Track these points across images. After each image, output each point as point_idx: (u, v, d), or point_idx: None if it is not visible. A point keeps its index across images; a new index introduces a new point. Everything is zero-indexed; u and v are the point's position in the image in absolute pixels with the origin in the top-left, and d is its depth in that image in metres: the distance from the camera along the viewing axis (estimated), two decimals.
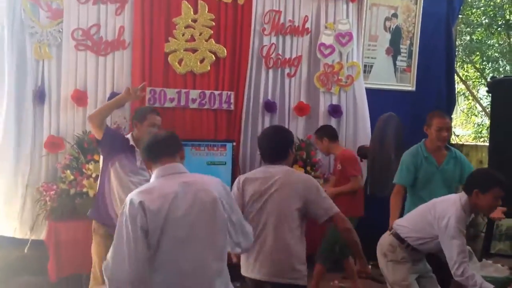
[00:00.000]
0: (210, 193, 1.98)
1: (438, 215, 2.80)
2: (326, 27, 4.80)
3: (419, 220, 2.94)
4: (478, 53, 9.06)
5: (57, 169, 4.00)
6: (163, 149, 2.07)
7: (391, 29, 5.23)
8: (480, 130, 10.16)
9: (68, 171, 3.92)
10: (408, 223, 3.01)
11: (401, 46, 5.28)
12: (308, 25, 4.76)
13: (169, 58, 4.35)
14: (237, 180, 2.62)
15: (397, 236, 2.99)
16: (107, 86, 4.23)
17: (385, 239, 3.08)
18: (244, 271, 2.55)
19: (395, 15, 5.21)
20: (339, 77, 4.81)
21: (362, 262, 2.58)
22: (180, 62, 4.39)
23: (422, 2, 5.22)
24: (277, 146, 2.61)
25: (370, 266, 2.71)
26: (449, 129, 3.43)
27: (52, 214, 3.82)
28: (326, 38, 4.79)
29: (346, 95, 4.89)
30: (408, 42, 5.30)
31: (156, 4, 4.29)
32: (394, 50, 5.25)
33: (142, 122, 3.31)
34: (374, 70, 5.19)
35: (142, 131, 3.28)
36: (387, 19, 5.20)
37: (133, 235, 1.78)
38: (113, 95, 4.17)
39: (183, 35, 4.38)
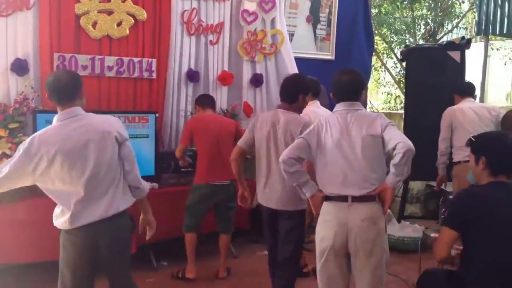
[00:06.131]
0: (98, 128, 2.25)
1: (375, 129, 2.40)
2: None
3: (375, 156, 2.41)
4: (385, 25, 9.47)
5: None
6: (64, 95, 2.25)
7: None
8: (389, 99, 10.74)
9: None
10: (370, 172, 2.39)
11: (320, 14, 5.30)
12: None
13: (81, 21, 3.94)
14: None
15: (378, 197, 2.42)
16: (9, 51, 3.72)
17: (373, 209, 2.36)
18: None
19: None
20: (263, 45, 4.71)
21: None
22: (94, 26, 4.00)
23: None
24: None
25: None
26: None
27: None
28: (249, 5, 4.64)
29: (270, 64, 4.78)
30: (327, 10, 5.33)
31: None
32: (314, 18, 5.26)
33: None
34: (295, 38, 5.16)
35: None
36: None
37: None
38: (17, 61, 3.71)
39: None
